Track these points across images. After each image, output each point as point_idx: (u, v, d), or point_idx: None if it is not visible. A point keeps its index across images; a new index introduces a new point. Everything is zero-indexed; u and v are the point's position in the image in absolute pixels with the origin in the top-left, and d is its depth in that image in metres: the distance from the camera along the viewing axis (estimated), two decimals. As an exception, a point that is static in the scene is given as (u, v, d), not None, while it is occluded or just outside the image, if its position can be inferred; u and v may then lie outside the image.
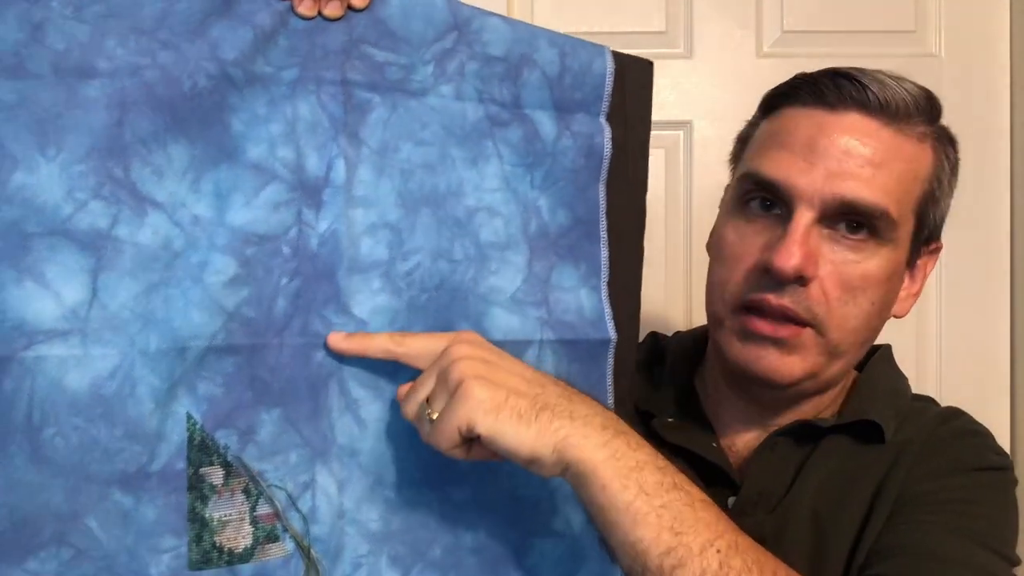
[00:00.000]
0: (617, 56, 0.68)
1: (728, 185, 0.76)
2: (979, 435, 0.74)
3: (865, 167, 0.66)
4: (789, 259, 0.64)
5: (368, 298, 0.61)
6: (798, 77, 0.71)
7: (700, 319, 1.15)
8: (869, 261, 0.67)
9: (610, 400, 0.68)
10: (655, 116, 1.16)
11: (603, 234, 0.68)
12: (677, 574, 0.50)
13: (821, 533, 0.69)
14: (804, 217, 0.65)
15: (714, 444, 0.74)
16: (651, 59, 0.71)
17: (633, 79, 0.69)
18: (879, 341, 0.79)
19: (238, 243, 0.57)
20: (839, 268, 0.66)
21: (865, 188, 0.65)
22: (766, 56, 1.21)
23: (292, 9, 0.57)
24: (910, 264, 0.72)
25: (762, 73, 1.20)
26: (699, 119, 1.19)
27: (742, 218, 0.69)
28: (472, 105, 0.64)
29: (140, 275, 0.54)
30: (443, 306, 0.63)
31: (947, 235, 1.21)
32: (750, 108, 1.17)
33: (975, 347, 1.22)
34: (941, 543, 0.64)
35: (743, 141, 0.74)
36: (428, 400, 0.56)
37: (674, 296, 1.20)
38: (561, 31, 1.20)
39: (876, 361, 0.80)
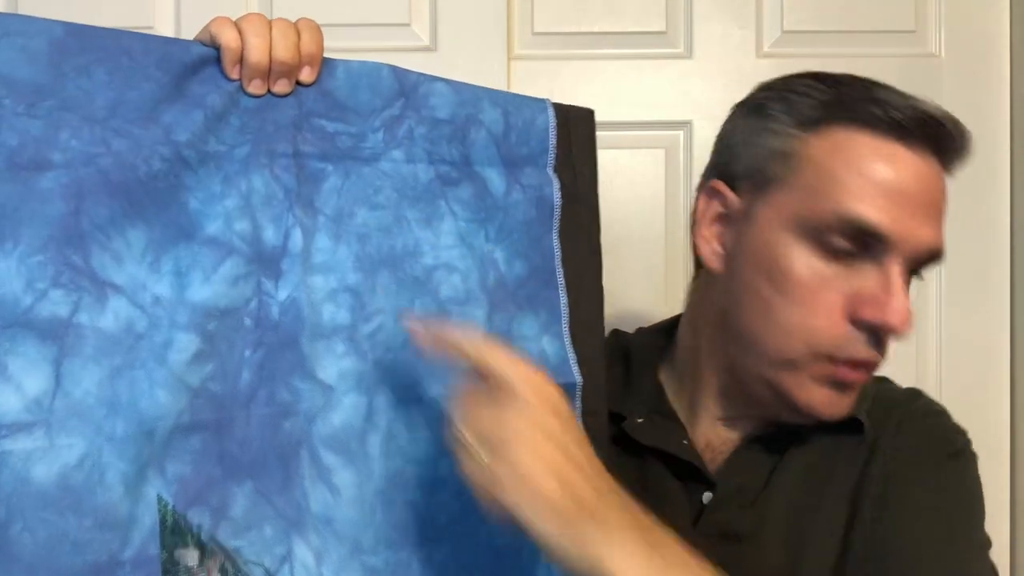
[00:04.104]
0: (559, 108, 0.70)
1: (724, 185, 0.70)
2: (942, 415, 0.76)
3: (940, 216, 0.67)
4: (904, 321, 0.64)
5: (333, 363, 0.61)
6: (850, 89, 0.67)
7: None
8: (908, 300, 0.67)
9: None
10: (655, 116, 1.17)
11: (560, 280, 0.70)
12: None
13: (800, 528, 0.69)
14: (899, 268, 0.64)
15: (685, 442, 0.73)
16: (591, 109, 0.73)
17: (577, 128, 0.71)
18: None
19: (200, 319, 0.57)
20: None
21: (941, 238, 0.66)
22: (766, 56, 1.21)
23: (242, 89, 0.59)
24: None
25: (762, 73, 1.19)
26: (699, 119, 1.19)
27: (819, 254, 0.65)
28: (423, 167, 0.65)
29: (103, 360, 0.54)
30: (410, 364, 0.64)
31: (947, 235, 1.21)
32: (750, 108, 1.17)
33: (975, 347, 1.22)
34: (930, 548, 0.67)
35: (783, 157, 0.67)
36: (474, 434, 0.53)
37: (674, 296, 1.20)
38: (561, 31, 1.21)
39: None
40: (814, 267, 0.65)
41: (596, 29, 1.20)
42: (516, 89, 1.18)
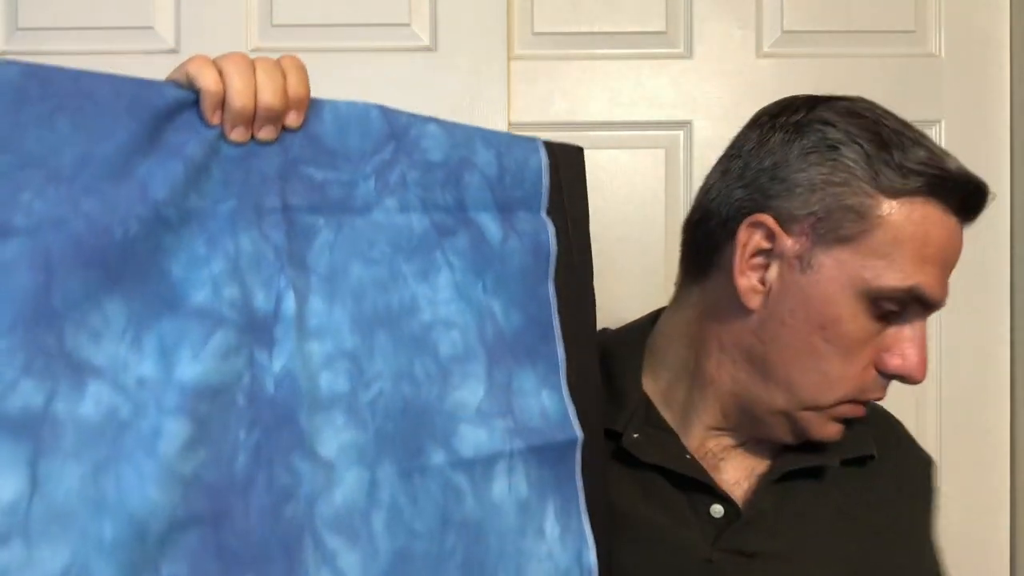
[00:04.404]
0: (549, 147, 0.67)
1: (777, 224, 0.68)
2: (913, 440, 0.84)
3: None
4: (924, 372, 0.68)
5: (333, 436, 0.57)
6: (941, 169, 0.66)
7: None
8: None
9: (581, 499, 0.66)
10: (655, 116, 1.17)
11: (557, 331, 0.67)
12: None
13: (816, 547, 0.73)
14: (923, 325, 0.69)
15: (688, 456, 0.74)
16: (580, 146, 0.71)
17: (567, 169, 0.68)
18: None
19: (190, 401, 0.52)
20: None
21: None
22: (766, 56, 1.21)
23: (223, 136, 0.54)
24: None
25: (762, 73, 1.20)
26: (699, 119, 1.19)
27: (871, 315, 0.67)
28: (417, 216, 0.62)
29: (85, 455, 0.49)
30: (410, 431, 0.60)
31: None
32: (750, 108, 1.18)
33: (975, 348, 1.22)
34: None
35: (855, 212, 0.66)
36: None
37: (674, 296, 1.20)
38: (561, 31, 1.21)
39: None
40: (865, 326, 0.67)
41: (596, 29, 1.20)
42: (516, 89, 1.18)
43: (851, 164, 0.66)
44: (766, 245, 0.68)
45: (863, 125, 0.67)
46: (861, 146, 0.66)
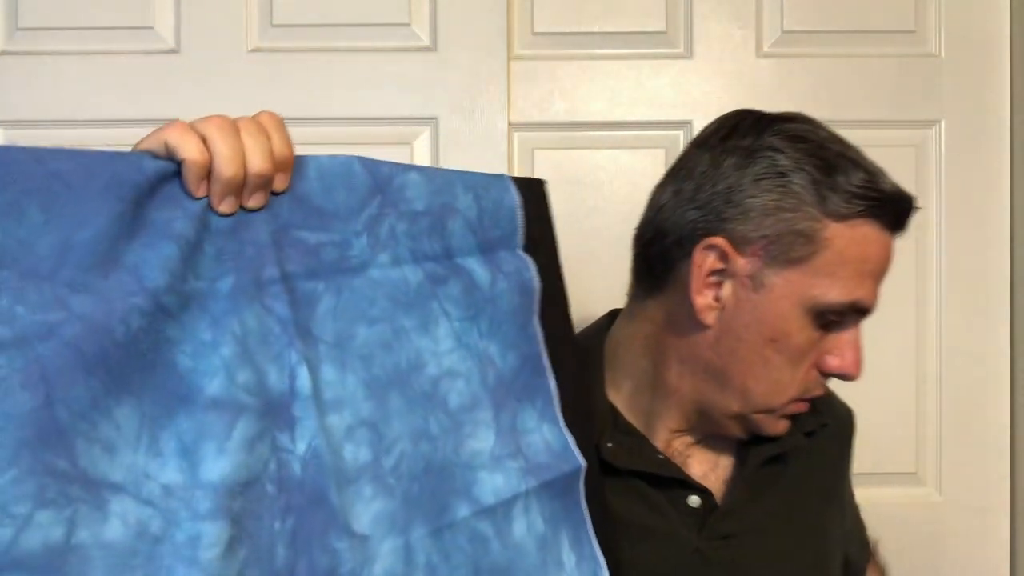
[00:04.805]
0: (517, 183, 0.68)
1: (732, 249, 0.72)
2: (834, 394, 0.90)
3: None
4: (860, 370, 0.75)
5: (364, 509, 0.56)
6: (878, 191, 0.71)
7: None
8: None
9: (588, 525, 0.67)
10: (655, 116, 1.17)
11: (546, 364, 0.68)
12: None
13: (788, 521, 0.81)
14: (858, 327, 0.75)
15: (660, 456, 0.79)
16: (543, 179, 0.73)
17: (535, 203, 0.69)
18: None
19: (223, 500, 0.49)
20: None
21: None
22: (766, 56, 1.21)
23: (210, 208, 0.50)
24: None
25: (762, 73, 1.20)
26: (699, 119, 1.19)
27: (816, 326, 0.73)
28: (410, 268, 0.61)
29: None
30: (435, 489, 0.60)
31: (947, 235, 1.22)
32: (750, 107, 1.17)
33: (975, 347, 1.22)
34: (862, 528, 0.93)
35: (803, 236, 0.70)
36: None
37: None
38: (561, 31, 1.21)
39: None
40: (810, 336, 0.73)
41: (596, 29, 1.20)
42: (516, 89, 1.18)
43: (800, 191, 0.71)
44: (720, 265, 0.73)
45: (809, 151, 0.72)
46: (808, 173, 0.71)
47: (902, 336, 1.22)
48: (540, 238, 0.69)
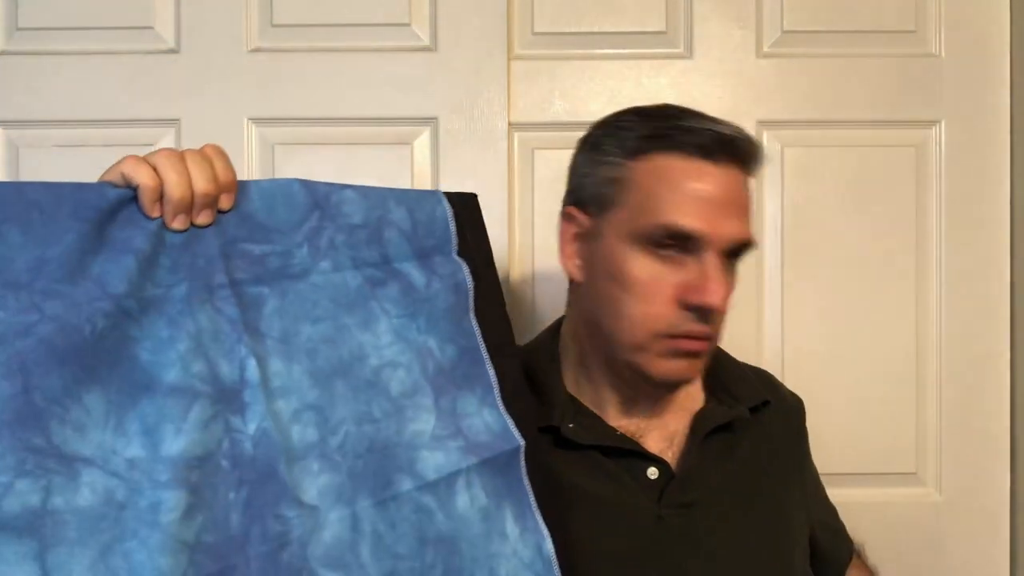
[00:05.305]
0: (448, 197, 0.76)
1: (579, 211, 0.84)
2: (783, 386, 0.99)
3: (743, 211, 0.81)
4: (718, 298, 0.78)
5: (312, 482, 0.63)
6: (666, 124, 0.80)
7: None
8: (735, 278, 0.83)
9: (531, 498, 0.73)
10: (655, 116, 1.14)
11: (485, 355, 0.75)
12: None
13: (741, 489, 0.86)
14: (715, 258, 0.78)
15: (618, 432, 0.85)
16: (475, 192, 0.80)
17: (466, 213, 0.77)
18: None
19: (181, 472, 0.56)
20: (728, 291, 0.81)
21: (747, 228, 0.81)
22: (766, 56, 1.21)
23: (164, 226, 0.60)
24: None
25: (762, 73, 1.20)
26: (699, 119, 1.19)
27: (651, 257, 0.79)
28: (350, 273, 0.69)
29: (91, 540, 0.53)
30: (378, 465, 0.67)
31: (947, 235, 1.22)
32: (750, 108, 1.18)
33: (975, 347, 1.22)
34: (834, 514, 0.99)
35: (615, 182, 0.81)
36: None
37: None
38: (561, 31, 1.21)
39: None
40: (648, 268, 0.79)
41: (596, 29, 1.20)
42: (516, 89, 1.18)
43: (607, 146, 0.83)
44: (577, 230, 0.85)
45: (610, 121, 0.85)
46: (613, 135, 0.83)
47: (902, 336, 1.22)
48: (474, 244, 0.77)
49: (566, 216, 0.86)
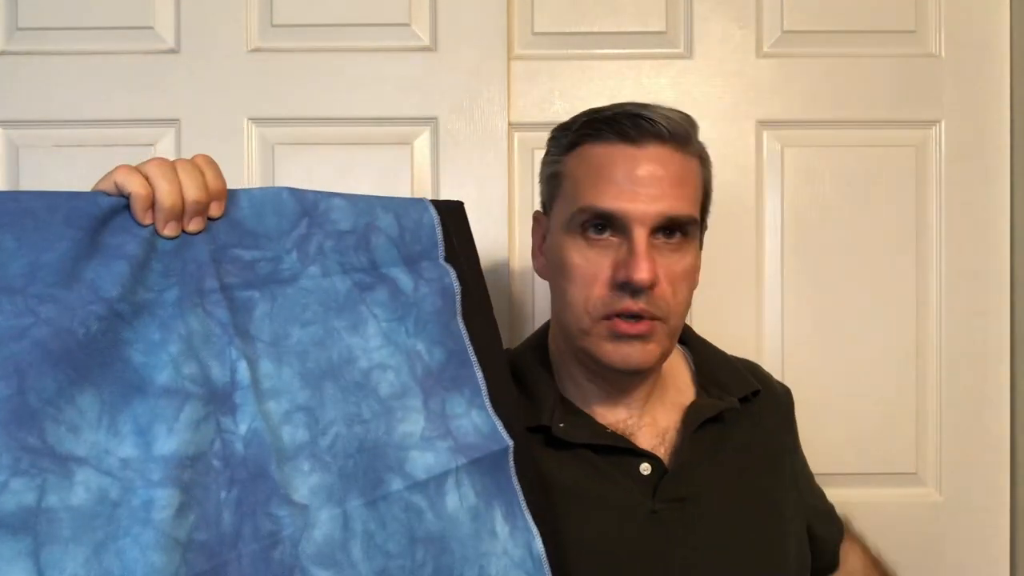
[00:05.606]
0: (435, 204, 0.78)
1: (542, 214, 0.91)
2: (771, 376, 1.01)
3: (674, 187, 0.81)
4: (643, 272, 0.79)
5: (303, 482, 0.64)
6: (592, 117, 0.84)
7: (699, 318, 1.16)
8: (685, 257, 0.83)
9: (520, 497, 0.74)
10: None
11: (473, 358, 0.77)
12: None
13: (733, 483, 0.87)
14: (641, 235, 0.80)
15: (608, 430, 0.87)
16: (460, 199, 0.82)
17: (453, 220, 0.79)
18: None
19: (173, 471, 0.57)
20: (669, 268, 0.82)
21: (677, 203, 0.81)
22: (766, 56, 1.21)
23: (156, 233, 0.61)
24: (700, 248, 0.88)
25: (762, 73, 1.20)
26: (699, 119, 1.18)
27: (583, 243, 0.82)
28: (339, 278, 0.71)
29: (84, 538, 0.54)
30: (369, 465, 0.68)
31: (947, 235, 1.22)
32: (750, 108, 1.18)
33: (975, 347, 1.22)
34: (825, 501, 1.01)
35: (554, 178, 0.87)
36: None
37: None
38: (561, 31, 1.21)
39: (694, 337, 0.98)
40: (583, 254, 0.83)
41: (596, 29, 1.20)
42: (516, 89, 1.18)
43: (551, 149, 0.89)
44: (543, 231, 0.90)
45: (562, 124, 0.88)
46: (557, 136, 0.88)
47: (902, 336, 1.22)
48: (461, 250, 0.79)
49: (534, 219, 0.92)
